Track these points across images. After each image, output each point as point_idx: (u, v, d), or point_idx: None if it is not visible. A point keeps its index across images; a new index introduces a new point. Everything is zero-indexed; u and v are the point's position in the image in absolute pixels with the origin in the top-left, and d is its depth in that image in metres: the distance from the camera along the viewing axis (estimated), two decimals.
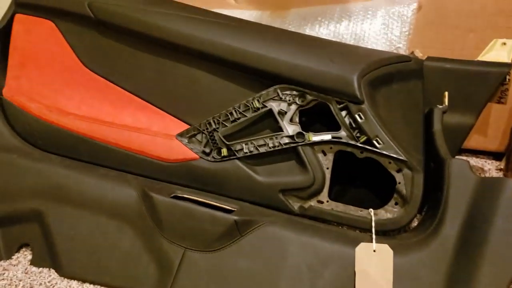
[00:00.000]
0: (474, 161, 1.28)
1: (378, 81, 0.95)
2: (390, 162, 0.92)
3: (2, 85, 1.11)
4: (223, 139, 0.98)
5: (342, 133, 0.94)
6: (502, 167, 1.25)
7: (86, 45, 1.07)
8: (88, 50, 1.07)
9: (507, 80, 1.02)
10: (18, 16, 1.10)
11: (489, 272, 0.77)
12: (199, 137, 1.01)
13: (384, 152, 0.91)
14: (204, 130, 1.00)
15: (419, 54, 1.11)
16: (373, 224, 0.90)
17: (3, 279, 0.89)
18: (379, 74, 0.95)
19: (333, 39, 1.21)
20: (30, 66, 1.10)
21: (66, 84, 1.08)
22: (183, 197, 0.95)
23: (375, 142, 0.91)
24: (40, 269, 0.92)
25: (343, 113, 0.93)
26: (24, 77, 1.10)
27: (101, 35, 1.05)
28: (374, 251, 0.84)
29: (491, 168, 1.25)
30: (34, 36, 1.09)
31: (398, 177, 0.93)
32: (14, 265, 0.92)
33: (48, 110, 1.06)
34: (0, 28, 1.12)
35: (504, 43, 1.06)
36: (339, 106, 0.93)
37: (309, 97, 0.94)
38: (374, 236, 0.87)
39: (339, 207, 0.95)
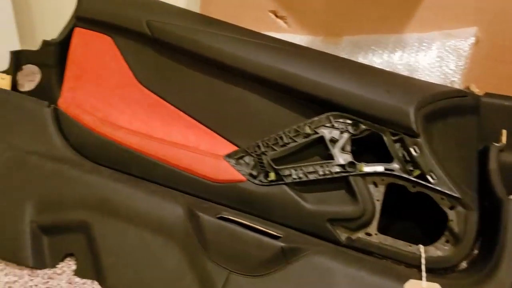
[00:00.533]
0: None
1: (434, 115, 0.93)
2: (443, 198, 0.90)
3: (58, 96, 1.14)
4: (271, 163, 0.97)
5: (395, 165, 0.92)
6: None
7: (141, 62, 1.09)
8: (143, 67, 1.09)
9: None
10: (77, 30, 1.13)
11: None
12: (247, 159, 1.00)
13: (438, 188, 0.88)
14: (252, 152, 0.99)
15: (475, 89, 1.09)
16: (423, 260, 0.88)
17: (47, 287, 0.90)
18: (435, 108, 0.93)
19: (387, 69, 1.20)
20: (86, 79, 1.13)
21: (120, 98, 1.10)
22: (230, 218, 0.94)
23: (429, 177, 0.89)
24: (84, 280, 0.92)
25: (397, 145, 0.92)
26: (79, 89, 1.13)
27: (157, 53, 1.07)
28: None
29: None
30: (92, 50, 1.12)
31: (451, 214, 0.90)
32: (59, 274, 0.93)
33: (101, 122, 1.08)
34: (59, 41, 1.16)
35: None
36: (393, 138, 0.91)
37: (362, 127, 0.93)
38: (424, 274, 0.84)
39: (387, 241, 0.93)
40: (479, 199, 0.94)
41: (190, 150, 1.03)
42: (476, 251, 0.94)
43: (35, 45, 1.18)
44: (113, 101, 1.11)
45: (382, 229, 0.96)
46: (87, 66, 1.13)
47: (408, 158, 0.91)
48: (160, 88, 1.08)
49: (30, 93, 1.18)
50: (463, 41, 1.16)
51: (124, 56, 1.10)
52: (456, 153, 0.96)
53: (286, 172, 0.97)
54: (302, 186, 0.97)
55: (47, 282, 0.91)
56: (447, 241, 0.91)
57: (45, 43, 1.17)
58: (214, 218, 0.93)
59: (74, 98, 1.12)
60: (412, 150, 0.89)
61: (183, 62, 1.06)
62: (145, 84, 1.09)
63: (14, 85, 1.17)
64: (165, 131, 1.06)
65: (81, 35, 1.14)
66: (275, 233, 0.92)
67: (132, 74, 1.10)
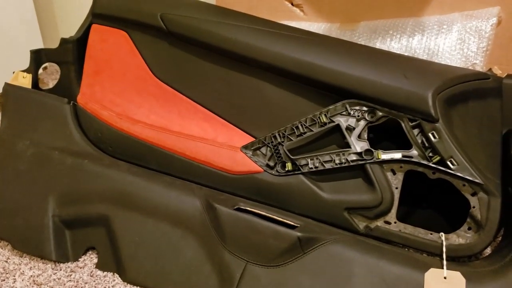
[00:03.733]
0: None
1: (454, 99, 0.91)
2: (464, 185, 0.87)
3: (77, 92, 1.16)
4: (288, 153, 0.97)
5: (414, 152, 0.90)
6: None
7: (157, 55, 1.10)
8: (159, 61, 1.10)
9: None
10: (94, 27, 1.15)
11: None
12: (263, 150, 1.00)
13: (459, 174, 0.86)
14: (269, 143, 0.99)
15: (497, 71, 1.06)
16: (444, 249, 0.86)
17: (70, 280, 0.92)
18: (455, 92, 0.91)
19: (405, 54, 1.17)
20: (104, 74, 1.14)
21: (137, 93, 1.11)
22: (246, 209, 0.94)
23: (449, 163, 0.87)
24: (105, 273, 0.94)
25: (415, 131, 0.90)
26: (97, 85, 1.14)
27: (172, 46, 1.08)
28: (445, 278, 0.80)
29: None
30: (109, 45, 1.13)
31: (473, 200, 0.88)
32: (81, 268, 0.95)
33: (119, 117, 1.10)
34: (77, 38, 1.18)
35: None
36: (411, 124, 0.89)
37: (379, 113, 0.92)
38: (445, 262, 0.82)
39: (407, 229, 0.91)
40: (502, 185, 0.91)
41: (207, 142, 1.03)
42: (499, 239, 0.91)
43: (57, 44, 1.20)
44: (130, 95, 1.12)
45: (402, 218, 0.94)
46: (105, 62, 1.14)
47: (427, 144, 0.88)
48: (176, 81, 1.08)
49: (51, 90, 1.21)
50: (485, 21, 1.12)
51: (140, 50, 1.11)
52: (478, 138, 0.93)
53: (303, 162, 0.96)
54: (319, 175, 0.96)
55: (70, 275, 0.93)
56: (469, 228, 0.89)
57: (63, 41, 1.19)
58: (231, 210, 0.93)
59: (93, 94, 1.14)
60: (430, 135, 0.87)
61: (198, 55, 1.06)
62: (161, 78, 1.10)
63: (36, 83, 1.19)
64: (182, 124, 1.07)
65: (98, 31, 1.15)
66: (292, 223, 0.91)
67: (148, 68, 1.11)
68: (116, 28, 1.13)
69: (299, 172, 0.96)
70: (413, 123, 0.89)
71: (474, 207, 0.88)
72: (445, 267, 0.81)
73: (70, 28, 1.29)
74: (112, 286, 0.91)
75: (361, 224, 0.94)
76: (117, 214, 0.96)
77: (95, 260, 0.96)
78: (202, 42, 1.03)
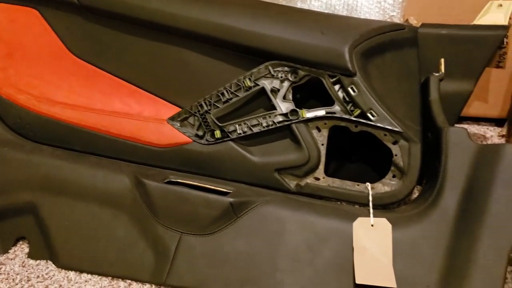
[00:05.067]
0: (476, 128, 1.25)
1: (371, 52, 0.92)
2: (385, 135, 0.90)
3: None
4: (215, 121, 0.96)
5: (336, 107, 0.91)
6: (504, 133, 1.22)
7: (72, 32, 1.04)
8: (75, 37, 1.05)
9: (504, 43, 0.98)
10: (0, 6, 1.07)
11: (489, 241, 0.75)
12: (191, 120, 0.99)
13: (379, 125, 0.88)
14: (196, 112, 0.98)
15: (413, 21, 1.08)
16: (370, 198, 0.88)
17: (0, 273, 0.89)
18: (371, 45, 0.92)
19: (325, 11, 1.17)
20: (17, 56, 1.08)
21: (54, 73, 1.06)
22: (177, 182, 0.93)
23: (369, 114, 0.88)
24: (38, 261, 0.91)
25: (336, 87, 0.91)
26: (11, 68, 1.08)
27: (87, 20, 1.03)
28: (372, 225, 0.83)
29: (493, 135, 1.23)
30: (19, 25, 1.07)
31: (395, 149, 0.90)
32: (11, 259, 0.91)
33: (37, 100, 1.05)
34: None
35: (501, 5, 1.02)
36: (331, 80, 0.90)
37: (301, 73, 0.92)
38: (371, 210, 0.85)
39: (335, 183, 0.94)
40: (423, 131, 0.94)
41: (131, 117, 1.00)
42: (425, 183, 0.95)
43: None
44: (48, 76, 1.06)
45: (334, 173, 0.96)
46: (16, 44, 1.08)
47: (347, 99, 0.90)
48: (95, 57, 1.04)
49: None
50: None
51: (53, 28, 1.06)
52: (397, 88, 0.96)
53: (231, 128, 0.96)
54: (248, 140, 0.96)
55: (0, 268, 0.90)
56: (393, 176, 0.92)
57: None
58: (161, 183, 0.92)
59: (7, 78, 1.08)
60: (350, 90, 0.88)
61: (115, 27, 1.01)
62: (79, 55, 1.05)
63: None
64: (105, 102, 1.03)
65: (5, 11, 1.08)
66: (224, 190, 0.91)
67: (64, 46, 1.05)
68: (25, 6, 1.06)
69: (228, 138, 0.96)
70: (333, 79, 0.90)
71: (396, 155, 0.90)
72: (371, 215, 0.84)
73: None
74: (46, 274, 0.89)
75: (291, 183, 0.95)
76: (44, 201, 0.93)
77: (27, 250, 0.93)
78: (116, 13, 0.99)
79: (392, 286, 0.77)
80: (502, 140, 1.21)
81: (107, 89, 1.04)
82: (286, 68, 0.93)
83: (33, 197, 0.93)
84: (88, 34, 1.04)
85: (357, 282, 0.78)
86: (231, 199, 0.88)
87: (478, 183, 0.80)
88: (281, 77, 0.93)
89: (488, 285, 0.74)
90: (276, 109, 0.93)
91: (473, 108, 1.23)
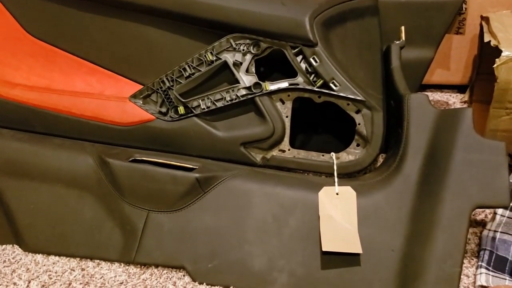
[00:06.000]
0: (439, 95, 1.27)
1: (332, 21, 0.92)
2: (348, 104, 0.91)
3: None
4: (178, 97, 0.95)
5: (299, 79, 0.91)
6: (466, 99, 1.24)
7: (28, 11, 1.01)
8: (31, 17, 1.01)
9: (463, 9, 1.00)
10: None
11: (451, 203, 0.77)
12: (154, 97, 0.97)
13: (341, 94, 0.89)
14: (158, 89, 0.96)
15: None
16: (335, 167, 0.89)
17: None
18: (332, 14, 0.91)
19: None
20: None
21: (12, 54, 1.03)
22: (142, 160, 0.92)
23: (331, 85, 0.89)
24: (3, 246, 0.90)
25: (299, 58, 0.90)
26: None
27: None
28: (337, 193, 0.84)
29: (455, 101, 1.25)
30: None
31: (358, 118, 0.91)
32: None
33: None
34: None
35: None
36: (293, 51, 0.90)
37: (263, 45, 0.91)
38: (336, 179, 0.86)
39: (301, 154, 0.94)
40: (386, 100, 0.95)
41: (93, 97, 0.98)
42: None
43: None
44: (5, 58, 1.03)
45: (302, 146, 0.96)
46: None
47: (310, 70, 0.90)
48: (53, 37, 1.01)
49: None
50: None
51: (8, 8, 1.02)
52: (358, 56, 0.96)
53: (195, 104, 0.95)
54: (212, 115, 0.96)
55: None
56: (357, 145, 0.93)
57: None
58: (126, 162, 0.91)
59: None
60: (312, 60, 0.88)
61: (72, 5, 0.98)
62: (37, 35, 1.02)
63: None
64: (65, 82, 1.01)
65: None
66: (189, 166, 0.91)
67: (20, 27, 1.02)
68: None
69: (192, 114, 0.95)
70: (295, 50, 0.90)
71: (359, 124, 0.91)
72: (336, 183, 0.85)
73: None
74: (13, 258, 0.88)
75: (258, 157, 0.95)
76: (8, 185, 0.92)
77: None
78: None
79: (357, 252, 0.79)
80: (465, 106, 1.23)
81: (67, 69, 1.01)
82: (247, 41, 0.92)
83: None
84: (45, 13, 1.00)
85: (324, 249, 0.79)
86: (197, 175, 0.88)
87: (439, 147, 0.81)
88: (243, 50, 0.92)
89: (451, 246, 0.76)
90: (239, 82, 0.93)
91: (435, 75, 1.24)
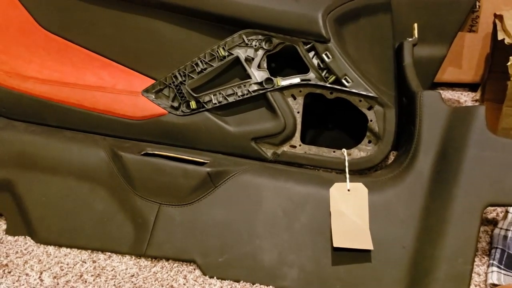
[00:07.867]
0: (450, 94, 1.27)
1: (345, 18, 0.92)
2: (360, 100, 0.90)
3: None
4: (190, 91, 0.95)
5: (311, 75, 0.91)
6: (477, 98, 1.24)
7: (42, 5, 1.01)
8: (44, 10, 1.02)
9: (477, 7, 0.99)
10: None
11: (463, 201, 0.77)
12: (166, 91, 0.98)
13: (353, 90, 0.89)
14: (170, 84, 0.97)
15: None
16: (346, 163, 0.89)
17: None
18: (345, 10, 0.92)
19: None
20: None
21: (25, 47, 1.04)
22: (154, 153, 0.93)
23: (343, 81, 0.89)
24: (16, 237, 0.91)
25: (311, 54, 0.91)
26: None
27: None
28: (349, 190, 0.84)
29: (467, 99, 1.24)
30: None
31: (370, 114, 0.91)
32: None
33: (8, 76, 1.02)
34: None
35: None
36: (306, 47, 0.90)
37: (275, 41, 0.91)
38: (348, 176, 0.86)
39: (312, 150, 0.94)
40: (398, 97, 0.95)
41: (105, 91, 0.99)
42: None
43: None
44: (18, 51, 1.04)
45: (313, 141, 0.96)
46: None
47: (322, 65, 0.90)
48: (66, 30, 1.02)
49: None
50: None
51: (21, 1, 1.03)
52: (371, 53, 0.96)
53: (206, 99, 0.95)
54: (224, 110, 0.96)
55: None
56: (369, 142, 0.93)
57: None
58: (138, 156, 0.91)
59: None
60: (324, 56, 0.88)
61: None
62: (49, 29, 1.02)
63: None
64: (77, 75, 1.02)
65: None
66: (201, 160, 0.91)
67: (33, 20, 1.02)
68: None
69: (203, 109, 0.95)
70: (308, 46, 0.90)
71: (371, 120, 0.91)
72: (348, 179, 0.85)
73: None
74: (25, 249, 0.88)
75: (268, 152, 0.95)
76: (20, 177, 0.92)
77: (4, 227, 0.93)
78: None
79: (369, 248, 0.79)
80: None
81: (79, 63, 1.02)
82: (260, 37, 0.92)
83: (8, 174, 0.92)
84: (58, 6, 1.01)
85: (335, 245, 0.80)
86: (208, 169, 0.88)
87: (451, 145, 0.81)
88: (255, 45, 0.92)
89: (462, 244, 0.76)
90: (251, 78, 0.93)
91: (447, 73, 1.24)
